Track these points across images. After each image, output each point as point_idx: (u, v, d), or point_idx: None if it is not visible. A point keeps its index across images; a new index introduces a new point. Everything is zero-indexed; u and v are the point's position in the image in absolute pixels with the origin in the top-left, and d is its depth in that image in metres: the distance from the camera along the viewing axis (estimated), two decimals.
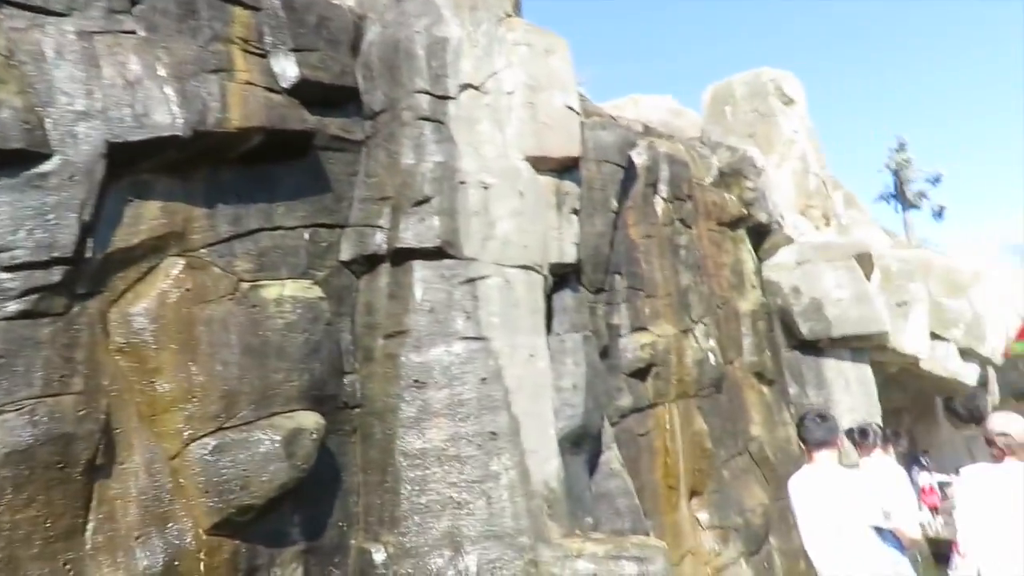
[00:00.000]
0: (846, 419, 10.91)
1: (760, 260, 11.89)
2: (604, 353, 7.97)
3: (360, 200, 5.28)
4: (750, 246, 11.56)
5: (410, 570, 4.52)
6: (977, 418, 17.30)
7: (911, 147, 29.44)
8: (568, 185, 6.55)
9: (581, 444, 6.28)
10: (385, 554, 4.56)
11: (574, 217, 6.65)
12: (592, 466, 6.55)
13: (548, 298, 6.24)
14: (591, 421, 6.37)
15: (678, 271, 9.51)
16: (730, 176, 11.68)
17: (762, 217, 11.46)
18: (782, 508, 9.98)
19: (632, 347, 8.29)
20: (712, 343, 9.49)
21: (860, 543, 2.93)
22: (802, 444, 3.20)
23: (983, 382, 16.22)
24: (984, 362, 13.96)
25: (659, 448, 8.30)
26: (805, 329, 11.13)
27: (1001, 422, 3.20)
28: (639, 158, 9.14)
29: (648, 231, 9.12)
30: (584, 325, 6.79)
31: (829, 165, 14.60)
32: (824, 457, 3.11)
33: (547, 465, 5.35)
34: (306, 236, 4.89)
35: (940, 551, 9.44)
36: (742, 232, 11.50)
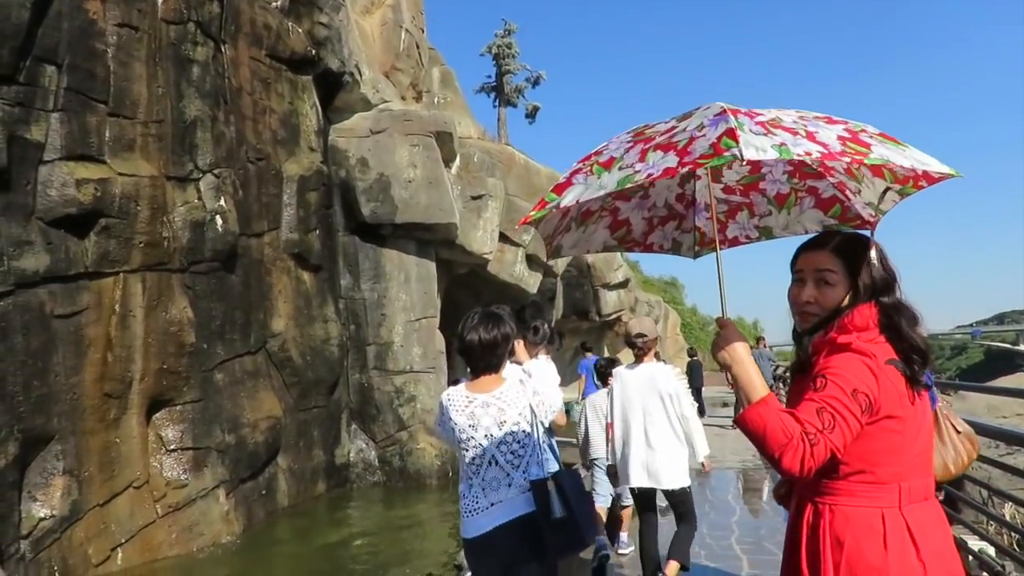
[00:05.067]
0: (400, 318, 9.49)
1: (330, 122, 9.65)
2: (2, 183, 4.94)
3: None
4: (316, 100, 9.19)
5: None
6: (544, 336, 18.09)
7: (521, 41, 28.25)
8: None
9: None
10: None
11: None
12: None
13: None
14: None
15: (183, 94, 6.67)
16: (302, 5, 9.06)
17: (333, 64, 9.13)
18: (304, 420, 8.12)
19: (61, 182, 5.32)
20: (225, 204, 6.95)
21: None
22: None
23: (552, 296, 16.73)
24: (548, 273, 13.99)
25: (96, 338, 5.57)
26: (367, 210, 9.27)
27: (636, 326, 3.58)
28: None
29: (130, 19, 6.07)
30: None
31: (434, 41, 12.93)
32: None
33: None
34: None
35: None
36: (308, 80, 9.05)
